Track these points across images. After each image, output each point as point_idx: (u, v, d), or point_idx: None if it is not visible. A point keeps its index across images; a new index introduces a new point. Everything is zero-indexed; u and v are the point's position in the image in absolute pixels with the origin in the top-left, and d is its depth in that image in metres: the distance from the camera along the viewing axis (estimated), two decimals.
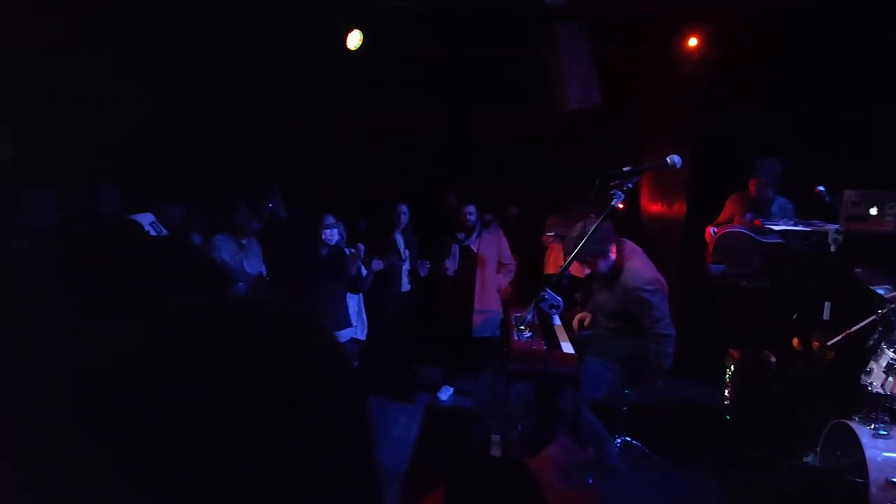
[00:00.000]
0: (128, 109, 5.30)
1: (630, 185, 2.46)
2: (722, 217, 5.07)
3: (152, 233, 2.47)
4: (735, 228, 4.70)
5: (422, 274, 5.16)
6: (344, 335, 4.33)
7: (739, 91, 5.32)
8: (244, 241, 4.23)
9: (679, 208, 6.09)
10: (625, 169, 2.45)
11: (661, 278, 3.54)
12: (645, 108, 6.44)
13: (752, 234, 4.54)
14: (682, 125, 6.01)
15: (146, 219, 2.51)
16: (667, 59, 6.01)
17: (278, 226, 4.50)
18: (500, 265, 5.39)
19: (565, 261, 2.82)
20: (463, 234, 5.31)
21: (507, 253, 5.42)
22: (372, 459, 0.67)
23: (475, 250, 5.28)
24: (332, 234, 4.06)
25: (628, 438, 3.83)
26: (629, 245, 3.66)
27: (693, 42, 5.92)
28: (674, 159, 2.55)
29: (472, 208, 5.27)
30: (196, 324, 0.58)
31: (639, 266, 3.53)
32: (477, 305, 5.23)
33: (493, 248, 5.33)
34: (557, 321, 3.97)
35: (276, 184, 5.52)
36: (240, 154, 5.98)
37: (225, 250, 4.06)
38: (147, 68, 5.23)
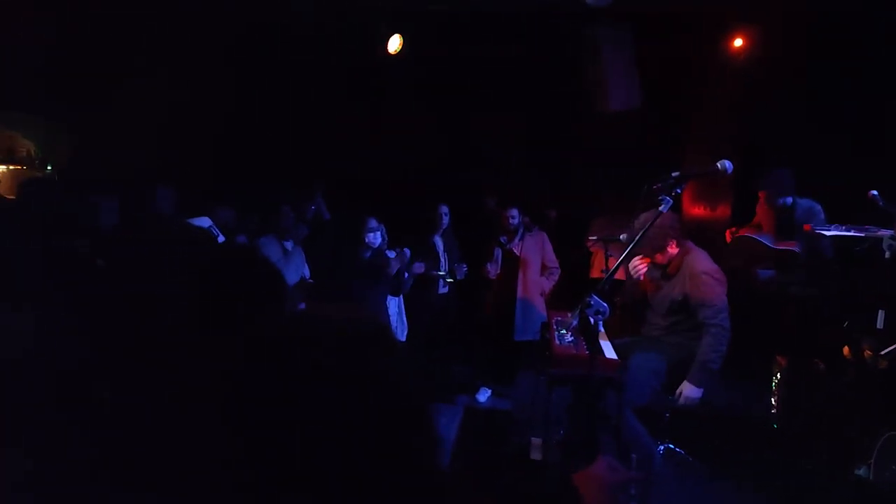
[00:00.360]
0: (177, 113, 5.47)
1: (679, 191, 2.43)
2: (754, 221, 4.96)
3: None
4: (748, 234, 4.64)
5: (458, 277, 5.20)
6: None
7: (786, 92, 5.20)
8: (288, 245, 4.31)
9: (723, 211, 5.97)
10: (674, 174, 2.42)
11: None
12: (689, 110, 6.34)
13: (762, 240, 4.47)
14: (728, 126, 5.91)
15: (204, 222, 2.60)
16: (712, 60, 5.91)
17: (321, 228, 4.57)
18: (544, 268, 5.39)
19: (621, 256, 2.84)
20: (505, 238, 5.32)
21: (551, 256, 5.42)
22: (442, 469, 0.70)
23: (517, 253, 5.29)
24: (376, 238, 4.13)
25: (671, 445, 3.78)
26: (690, 244, 3.71)
27: (739, 42, 5.81)
28: (724, 164, 2.50)
29: (514, 212, 5.28)
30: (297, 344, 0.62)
31: (703, 256, 3.60)
32: (519, 309, 5.23)
33: (536, 251, 5.33)
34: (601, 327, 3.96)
35: (320, 186, 5.62)
36: (283, 156, 6.10)
37: (269, 253, 4.15)
38: (194, 72, 5.37)
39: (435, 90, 6.52)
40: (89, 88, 6.15)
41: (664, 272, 3.72)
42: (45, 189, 4.44)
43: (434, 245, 5.26)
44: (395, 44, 6.27)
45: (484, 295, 5.45)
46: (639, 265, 3.73)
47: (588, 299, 2.28)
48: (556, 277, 5.44)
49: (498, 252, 5.33)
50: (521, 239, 5.31)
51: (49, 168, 9.39)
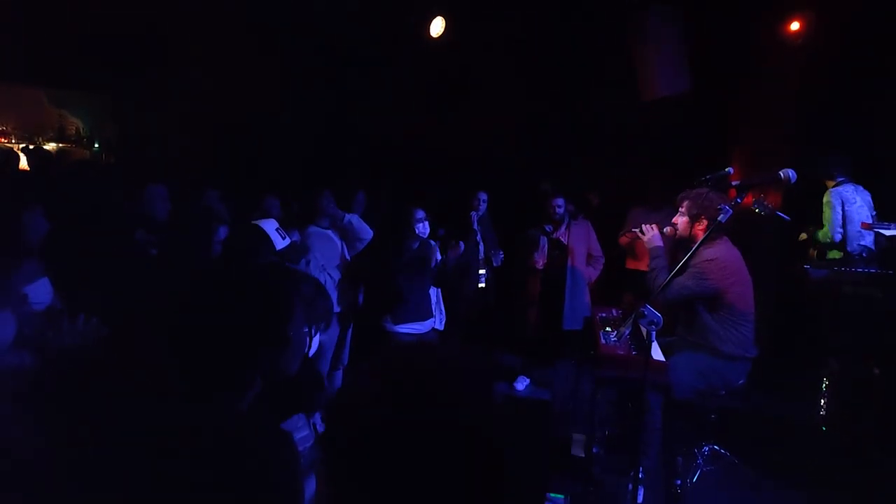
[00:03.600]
0: (219, 110, 5.53)
1: (739, 200, 2.35)
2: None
3: (279, 238, 2.59)
4: None
5: (495, 264, 5.19)
6: (426, 325, 4.41)
7: (842, 81, 4.98)
8: (331, 233, 4.35)
9: (773, 201, 5.76)
10: (734, 184, 2.34)
11: (724, 276, 3.31)
12: (740, 96, 6.11)
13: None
14: (781, 114, 5.69)
15: (271, 225, 2.62)
16: (766, 45, 5.68)
17: (368, 219, 4.58)
18: (590, 257, 5.35)
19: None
20: (551, 227, 5.28)
21: (597, 245, 5.38)
22: None
23: (564, 242, 5.25)
24: (425, 228, 4.14)
25: (717, 447, 3.73)
26: (723, 248, 3.40)
27: (795, 26, 5.55)
28: (788, 173, 2.40)
29: (560, 200, 5.24)
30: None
31: (716, 247, 3.30)
32: (568, 298, 5.20)
33: (582, 240, 5.29)
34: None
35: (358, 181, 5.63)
36: (325, 150, 6.12)
37: (315, 243, 4.19)
38: (231, 61, 5.40)
39: (478, 76, 6.43)
40: (142, 72, 6.25)
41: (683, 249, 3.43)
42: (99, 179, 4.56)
43: (473, 231, 5.25)
44: (437, 27, 6.19)
45: (527, 283, 5.42)
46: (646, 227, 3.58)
47: (642, 309, 2.25)
48: (601, 266, 5.39)
49: (544, 241, 5.29)
50: (568, 228, 5.26)
51: (97, 146, 9.64)
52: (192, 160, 5.58)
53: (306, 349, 1.61)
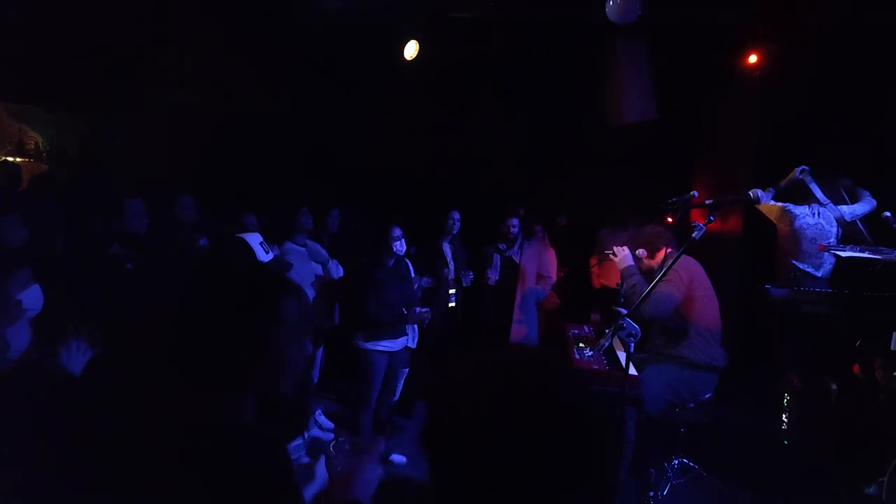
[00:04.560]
0: (198, 125, 5.48)
1: (712, 218, 2.47)
2: None
3: (262, 252, 2.59)
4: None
5: (464, 284, 5.28)
6: (399, 343, 4.41)
7: (804, 106, 5.24)
8: (304, 249, 4.36)
9: (734, 224, 6.00)
10: (707, 202, 2.47)
11: (691, 281, 3.49)
12: (705, 122, 6.38)
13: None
14: (744, 140, 5.95)
15: (255, 238, 2.62)
16: (730, 73, 5.95)
17: (342, 237, 4.61)
18: (539, 277, 5.50)
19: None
20: (504, 245, 5.43)
21: (547, 266, 5.54)
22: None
23: (517, 261, 5.39)
24: (401, 245, 4.17)
25: (685, 460, 3.83)
26: (686, 258, 3.55)
27: (753, 59, 5.85)
28: (757, 193, 2.56)
29: (515, 220, 5.45)
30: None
31: (683, 260, 3.39)
32: (516, 315, 5.33)
33: (533, 259, 5.44)
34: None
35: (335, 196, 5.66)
36: (299, 162, 6.12)
37: (292, 258, 4.19)
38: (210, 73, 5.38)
39: (447, 96, 6.56)
40: (106, 86, 6.17)
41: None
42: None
43: (443, 251, 5.33)
44: (411, 49, 6.31)
45: (485, 299, 5.54)
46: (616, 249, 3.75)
47: (621, 322, 2.33)
48: (549, 288, 5.54)
49: (497, 258, 5.44)
50: (521, 247, 5.42)
51: (52, 162, 9.39)
52: (159, 173, 5.50)
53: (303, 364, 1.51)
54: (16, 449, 1.46)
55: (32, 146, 9.67)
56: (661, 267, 3.62)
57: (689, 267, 3.51)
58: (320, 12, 5.34)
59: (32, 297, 1.69)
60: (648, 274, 3.69)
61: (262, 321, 1.26)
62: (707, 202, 2.47)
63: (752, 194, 2.56)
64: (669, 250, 3.67)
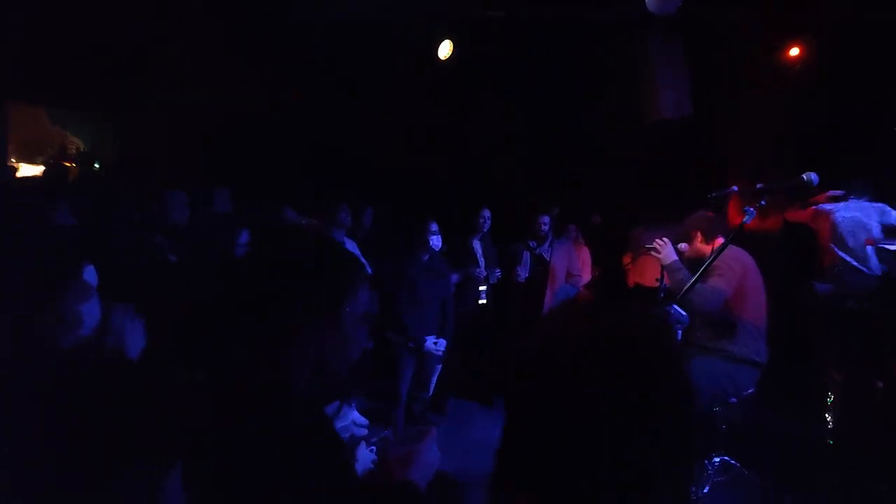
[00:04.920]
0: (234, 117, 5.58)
1: (763, 203, 2.42)
2: None
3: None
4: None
5: (491, 281, 5.26)
6: (431, 339, 4.40)
7: (840, 102, 5.14)
8: (348, 243, 4.39)
9: (775, 222, 5.86)
10: (758, 186, 2.41)
11: (744, 274, 3.33)
12: (741, 119, 6.27)
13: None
14: (781, 134, 5.85)
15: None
16: (764, 69, 5.86)
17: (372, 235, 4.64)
18: (569, 275, 5.46)
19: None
20: (535, 242, 5.39)
21: (577, 264, 5.52)
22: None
23: (547, 259, 5.36)
24: (437, 240, 4.18)
25: (727, 458, 3.75)
26: (737, 249, 3.42)
27: (794, 52, 5.76)
28: (810, 176, 2.46)
29: (546, 218, 5.44)
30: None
31: (730, 251, 3.25)
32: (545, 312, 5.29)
33: (564, 258, 5.41)
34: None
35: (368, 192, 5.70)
36: (333, 160, 6.18)
37: None
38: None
39: (481, 95, 6.56)
40: (138, 86, 6.31)
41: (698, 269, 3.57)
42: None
43: (473, 248, 5.32)
44: (445, 49, 6.34)
45: (514, 297, 5.50)
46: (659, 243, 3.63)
47: (668, 309, 2.29)
48: (580, 285, 5.51)
49: (526, 255, 5.41)
50: (551, 245, 5.38)
51: (97, 165, 9.65)
52: (196, 170, 5.60)
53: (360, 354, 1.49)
54: (84, 427, 1.49)
55: (74, 150, 9.96)
56: (699, 253, 3.49)
57: (741, 258, 3.36)
58: (335, 13, 5.38)
59: (92, 278, 1.73)
60: (697, 263, 3.51)
61: (337, 298, 1.29)
62: (758, 186, 2.41)
63: (805, 177, 2.47)
64: (719, 239, 3.48)
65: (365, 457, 1.80)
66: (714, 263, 3.04)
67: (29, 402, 1.36)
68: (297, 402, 1.28)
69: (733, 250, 3.32)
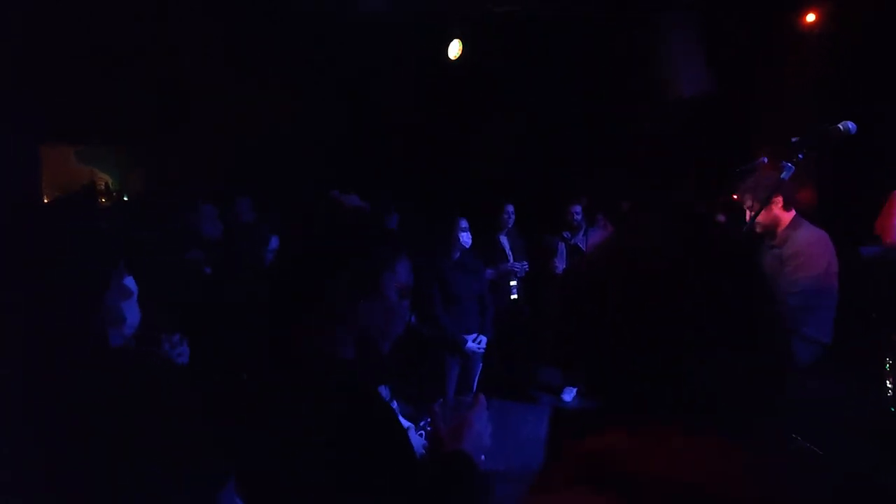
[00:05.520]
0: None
1: (801, 156, 2.33)
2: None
3: None
4: None
5: (519, 275, 5.19)
6: (472, 337, 4.36)
7: (865, 71, 5.00)
8: None
9: (808, 196, 5.70)
10: (793, 140, 2.32)
11: (829, 263, 3.22)
12: (762, 93, 6.14)
13: None
14: (804, 109, 5.69)
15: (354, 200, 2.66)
16: (784, 40, 5.73)
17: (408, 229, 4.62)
18: None
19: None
20: (569, 233, 5.32)
21: None
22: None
23: (583, 248, 5.28)
24: (467, 238, 4.16)
25: (793, 434, 3.62)
26: (815, 231, 3.28)
27: (811, 18, 5.62)
28: (847, 125, 2.35)
29: (578, 207, 5.38)
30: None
31: (814, 234, 3.18)
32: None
33: None
34: None
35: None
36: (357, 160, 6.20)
37: None
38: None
39: (500, 87, 6.54)
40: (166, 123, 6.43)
41: (769, 241, 3.36)
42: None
43: (501, 244, 5.28)
44: (455, 49, 6.34)
45: (548, 291, 5.41)
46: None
47: None
48: None
49: (562, 247, 5.33)
50: (585, 234, 5.32)
51: (125, 198, 9.85)
52: (212, 182, 5.67)
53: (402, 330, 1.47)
54: (132, 426, 1.48)
55: (103, 186, 10.19)
56: (778, 224, 3.28)
57: (822, 240, 3.19)
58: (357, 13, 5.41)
59: (131, 282, 1.73)
60: (772, 232, 3.32)
61: (377, 268, 1.32)
62: (792, 140, 2.32)
63: (841, 126, 2.35)
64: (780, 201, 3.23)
65: (416, 442, 1.78)
66: (797, 250, 3.03)
67: (79, 398, 1.35)
68: (349, 374, 1.27)
69: (810, 233, 3.20)
